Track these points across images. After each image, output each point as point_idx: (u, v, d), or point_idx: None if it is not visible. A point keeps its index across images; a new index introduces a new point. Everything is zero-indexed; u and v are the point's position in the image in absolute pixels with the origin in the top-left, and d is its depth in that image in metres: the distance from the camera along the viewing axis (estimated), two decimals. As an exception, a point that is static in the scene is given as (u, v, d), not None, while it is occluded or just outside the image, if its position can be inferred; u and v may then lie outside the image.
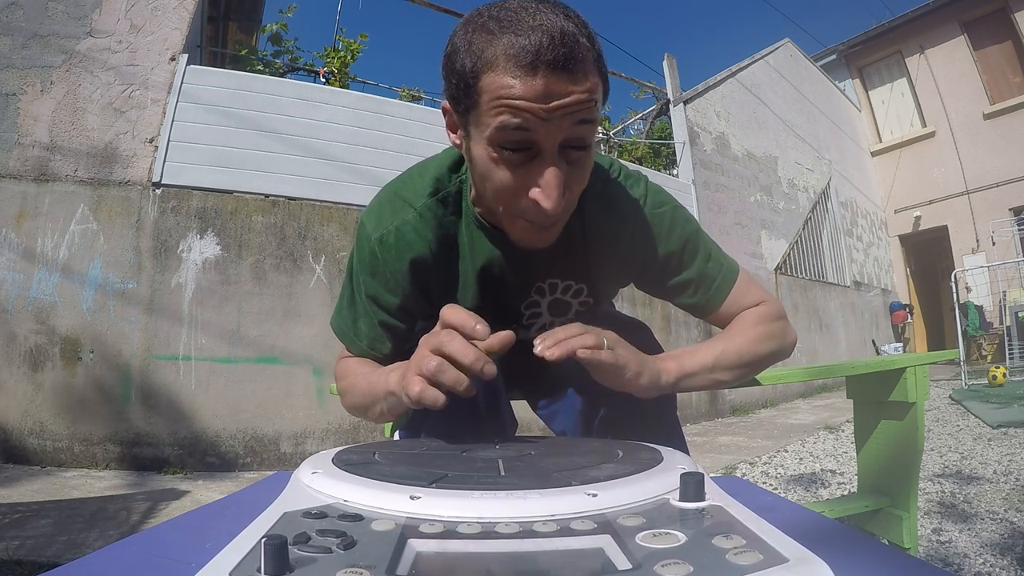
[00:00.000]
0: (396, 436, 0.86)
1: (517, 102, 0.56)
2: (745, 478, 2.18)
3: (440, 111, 0.69)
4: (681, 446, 0.78)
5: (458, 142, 0.67)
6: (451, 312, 0.56)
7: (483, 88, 0.58)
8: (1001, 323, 7.74)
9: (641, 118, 8.09)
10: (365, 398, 0.73)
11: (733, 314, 0.81)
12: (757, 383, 1.00)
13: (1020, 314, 7.31)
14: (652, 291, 0.85)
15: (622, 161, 0.85)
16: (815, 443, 3.58)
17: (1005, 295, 7.77)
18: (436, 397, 0.54)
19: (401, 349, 0.80)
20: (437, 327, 0.57)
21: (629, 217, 0.77)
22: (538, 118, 0.57)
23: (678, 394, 0.81)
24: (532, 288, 0.82)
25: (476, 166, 0.64)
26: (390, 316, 0.78)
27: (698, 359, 0.73)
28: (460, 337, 0.54)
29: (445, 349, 0.54)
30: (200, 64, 4.17)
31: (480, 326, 0.54)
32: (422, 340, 0.58)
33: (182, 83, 3.51)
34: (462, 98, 0.61)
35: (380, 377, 0.69)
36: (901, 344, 8.87)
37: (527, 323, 0.87)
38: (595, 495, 0.33)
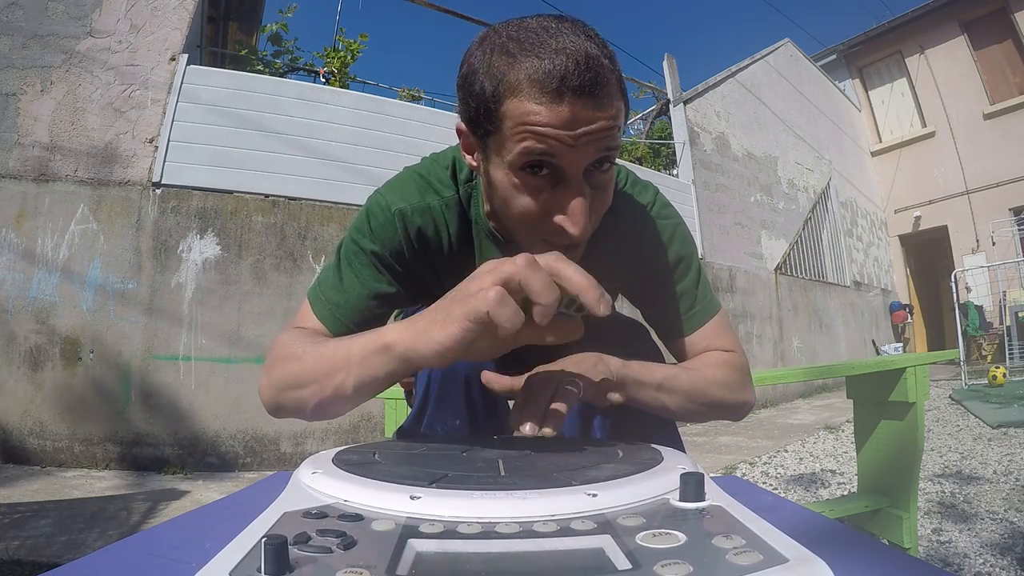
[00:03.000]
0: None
1: (543, 129, 0.54)
2: (745, 478, 2.18)
3: (454, 129, 0.66)
4: (678, 447, 0.78)
5: (475, 164, 0.66)
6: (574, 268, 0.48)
7: (506, 113, 0.56)
8: (1001, 323, 7.75)
9: (641, 118, 8.08)
10: (324, 364, 0.61)
11: (700, 350, 0.78)
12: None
13: (1020, 314, 7.32)
14: (632, 297, 0.82)
15: (631, 167, 0.84)
16: (815, 443, 3.58)
17: (1005, 295, 7.77)
18: (514, 313, 0.44)
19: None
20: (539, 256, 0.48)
21: (634, 222, 0.77)
22: (564, 144, 0.55)
23: None
24: None
25: (496, 190, 0.63)
26: (388, 289, 0.73)
27: (647, 369, 0.68)
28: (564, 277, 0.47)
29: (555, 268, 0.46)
30: (200, 64, 4.17)
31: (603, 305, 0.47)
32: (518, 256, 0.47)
33: (182, 83, 3.51)
34: (482, 122, 0.59)
35: (362, 337, 0.58)
36: (901, 344, 8.88)
37: None
38: (595, 495, 0.33)
